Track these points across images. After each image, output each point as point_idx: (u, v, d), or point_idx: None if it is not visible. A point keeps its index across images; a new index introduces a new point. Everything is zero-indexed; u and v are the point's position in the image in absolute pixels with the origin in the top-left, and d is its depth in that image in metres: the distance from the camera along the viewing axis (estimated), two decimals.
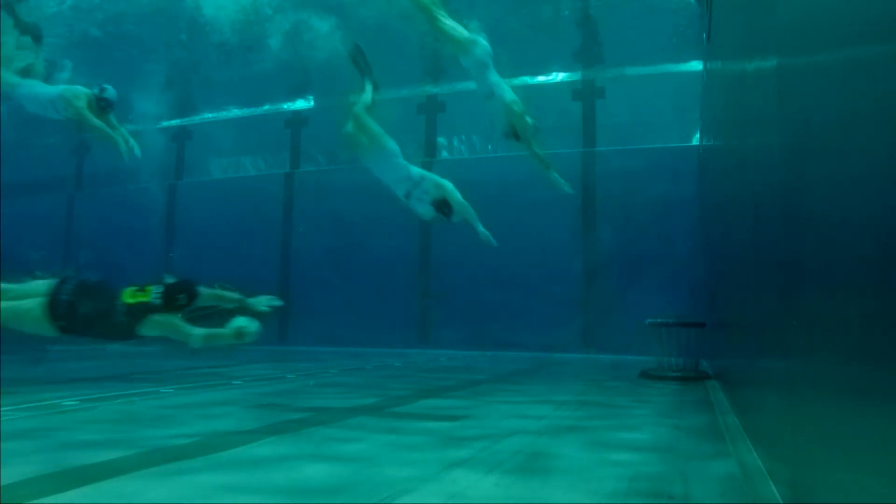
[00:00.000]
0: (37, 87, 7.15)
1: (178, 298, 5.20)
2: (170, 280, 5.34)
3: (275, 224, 12.14)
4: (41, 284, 5.21)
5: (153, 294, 5.21)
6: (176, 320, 5.16)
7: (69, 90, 7.01)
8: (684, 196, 9.39)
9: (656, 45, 10.57)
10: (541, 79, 12.00)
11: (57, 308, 4.97)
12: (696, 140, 10.13)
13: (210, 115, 13.86)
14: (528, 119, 6.28)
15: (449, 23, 6.37)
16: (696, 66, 9.72)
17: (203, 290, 5.39)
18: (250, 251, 11.94)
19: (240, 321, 5.12)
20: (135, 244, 12.75)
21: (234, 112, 13.74)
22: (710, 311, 5.99)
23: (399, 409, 3.79)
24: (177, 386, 4.82)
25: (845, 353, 1.09)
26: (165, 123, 14.03)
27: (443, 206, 6.27)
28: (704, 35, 6.55)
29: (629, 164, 10.09)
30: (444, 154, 12.21)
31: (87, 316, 5.06)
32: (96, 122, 6.95)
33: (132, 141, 7.14)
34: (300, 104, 13.33)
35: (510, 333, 9.71)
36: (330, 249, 11.43)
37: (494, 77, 6.40)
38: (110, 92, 7.08)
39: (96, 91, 6.99)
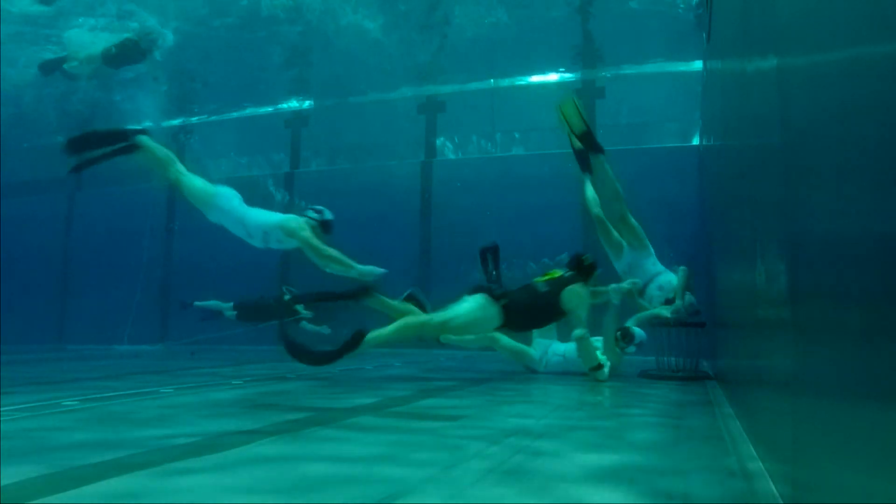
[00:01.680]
0: (251, 214, 6.46)
1: (585, 261, 5.65)
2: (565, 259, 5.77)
3: None
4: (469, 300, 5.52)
5: (562, 272, 5.73)
6: (588, 292, 5.59)
7: (292, 220, 6.32)
8: (684, 196, 9.39)
9: (656, 45, 10.58)
10: (541, 79, 12.01)
11: (507, 307, 5.44)
12: (696, 140, 10.14)
13: (210, 115, 13.88)
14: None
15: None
16: (696, 66, 9.72)
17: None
18: (250, 251, 11.92)
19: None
20: (134, 244, 12.75)
21: (234, 112, 13.76)
22: (709, 310, 5.99)
23: (399, 409, 3.79)
24: (177, 386, 4.82)
25: (845, 353, 1.09)
26: (164, 123, 14.04)
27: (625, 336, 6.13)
28: (704, 35, 6.56)
29: (629, 164, 10.09)
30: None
31: (525, 305, 5.53)
32: (330, 250, 6.16)
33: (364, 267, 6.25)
34: (300, 104, 13.35)
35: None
36: None
37: (657, 264, 6.59)
38: (328, 213, 6.55)
39: (313, 215, 6.44)
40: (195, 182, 6.53)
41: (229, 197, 6.52)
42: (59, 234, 13.80)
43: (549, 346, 6.62)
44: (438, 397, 4.38)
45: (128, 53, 10.52)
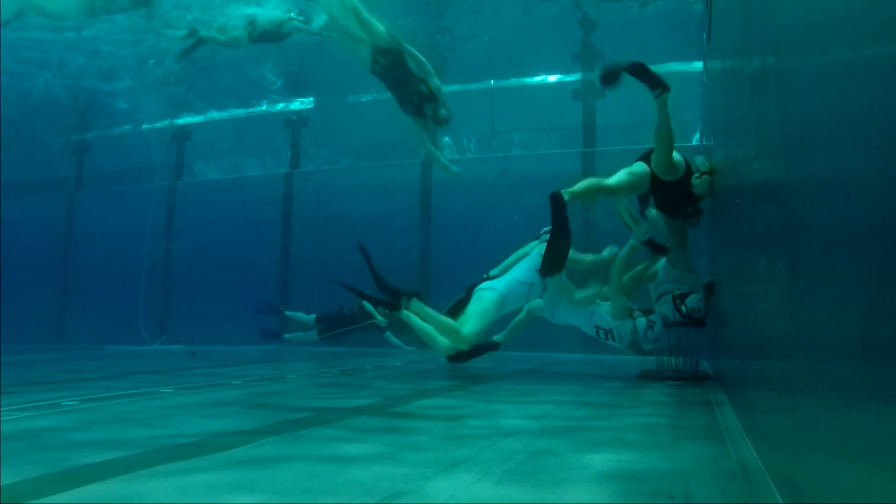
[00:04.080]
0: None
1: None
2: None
3: (275, 224, 12.14)
4: None
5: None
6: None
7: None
8: None
9: (656, 45, 10.57)
10: (541, 79, 12.01)
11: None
12: (696, 140, 10.13)
13: (210, 115, 13.87)
14: None
15: None
16: (696, 66, 9.72)
17: None
18: (250, 251, 11.94)
19: None
20: (134, 244, 12.75)
21: (235, 112, 13.75)
22: (709, 310, 5.98)
23: (399, 409, 3.79)
24: (177, 386, 4.82)
25: (845, 353, 1.09)
26: (164, 123, 14.03)
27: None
28: (704, 35, 6.55)
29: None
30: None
31: None
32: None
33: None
34: (300, 104, 13.34)
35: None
36: (330, 250, 11.42)
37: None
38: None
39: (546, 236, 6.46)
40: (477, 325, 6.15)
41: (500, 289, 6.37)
42: (59, 234, 13.80)
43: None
44: (438, 397, 4.38)
45: (273, 33, 10.20)
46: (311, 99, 13.37)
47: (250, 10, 10.31)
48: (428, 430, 2.91)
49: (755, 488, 1.94)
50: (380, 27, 7.32)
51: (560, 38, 11.06)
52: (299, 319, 10.70)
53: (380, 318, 10.07)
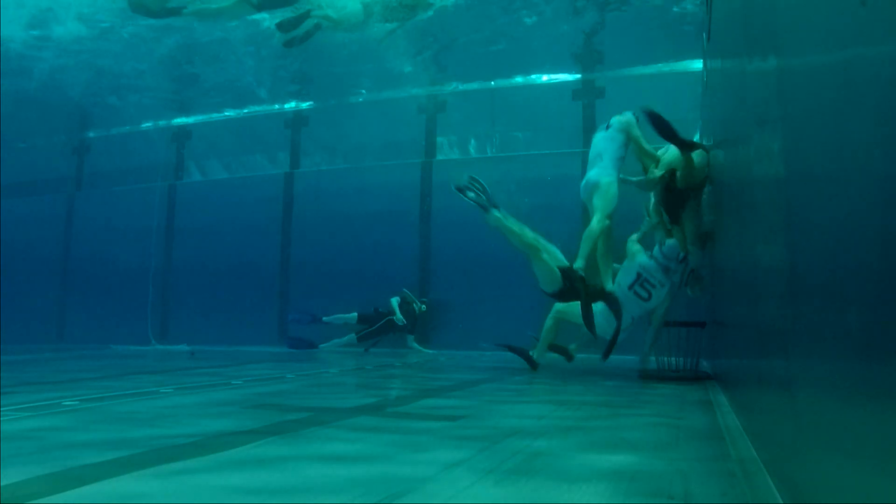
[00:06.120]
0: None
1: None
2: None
3: (275, 224, 12.14)
4: None
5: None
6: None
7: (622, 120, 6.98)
8: None
9: (656, 44, 10.58)
10: (541, 79, 12.01)
11: None
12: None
13: (209, 116, 13.85)
14: None
15: None
16: (697, 65, 9.72)
17: None
18: (250, 251, 11.93)
19: None
20: (134, 244, 12.74)
21: (235, 112, 13.73)
22: (710, 311, 5.99)
23: (399, 409, 3.79)
24: (177, 386, 4.82)
25: (845, 353, 1.09)
26: (164, 123, 14.02)
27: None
28: (704, 35, 6.55)
29: (629, 164, 10.07)
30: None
31: None
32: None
33: None
34: (300, 104, 13.33)
35: (510, 334, 9.71)
36: (330, 249, 11.42)
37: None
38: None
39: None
40: None
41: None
42: (59, 234, 13.79)
43: None
44: (438, 397, 4.38)
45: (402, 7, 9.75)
46: (310, 100, 13.37)
47: None
48: (428, 430, 2.91)
49: (755, 488, 1.94)
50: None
51: (560, 37, 11.05)
52: (341, 321, 10.60)
53: (399, 314, 10.12)
